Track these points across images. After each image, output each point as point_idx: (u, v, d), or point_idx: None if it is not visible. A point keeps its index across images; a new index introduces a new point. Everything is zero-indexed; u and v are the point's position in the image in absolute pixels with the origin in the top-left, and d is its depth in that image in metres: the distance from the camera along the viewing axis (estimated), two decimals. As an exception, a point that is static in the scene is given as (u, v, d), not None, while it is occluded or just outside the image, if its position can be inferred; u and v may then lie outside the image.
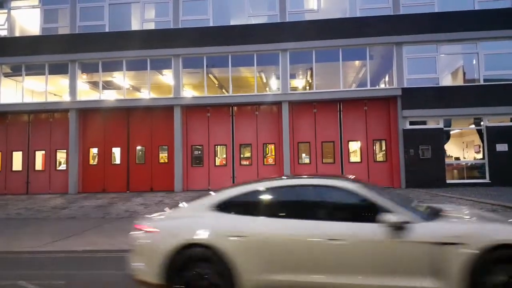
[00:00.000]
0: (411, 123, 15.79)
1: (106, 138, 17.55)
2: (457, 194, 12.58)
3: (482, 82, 15.68)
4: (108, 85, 18.42)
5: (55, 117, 17.95)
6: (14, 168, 17.80)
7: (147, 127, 17.43)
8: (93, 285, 5.13)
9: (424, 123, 15.90)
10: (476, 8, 15.98)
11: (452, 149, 16.59)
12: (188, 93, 18.20)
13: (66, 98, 17.74)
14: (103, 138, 17.55)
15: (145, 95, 17.83)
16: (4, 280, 5.28)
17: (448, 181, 15.33)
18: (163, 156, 17.32)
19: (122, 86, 17.70)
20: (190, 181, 16.94)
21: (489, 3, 15.96)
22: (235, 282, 3.72)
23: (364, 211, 3.88)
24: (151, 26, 17.76)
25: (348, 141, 16.56)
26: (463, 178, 15.71)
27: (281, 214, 4.02)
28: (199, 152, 17.23)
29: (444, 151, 15.67)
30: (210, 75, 17.64)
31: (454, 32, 15.71)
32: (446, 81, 16.50)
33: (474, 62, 16.04)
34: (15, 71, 18.24)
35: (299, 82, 18.78)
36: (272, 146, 16.99)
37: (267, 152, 17.06)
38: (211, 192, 4.48)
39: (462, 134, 17.21)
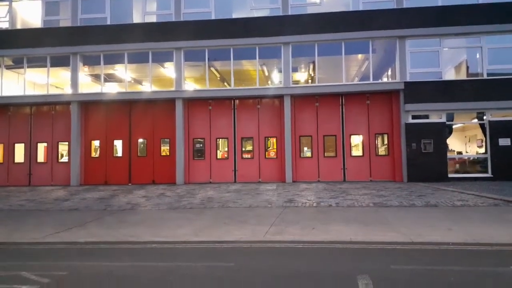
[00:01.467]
0: (414, 117, 15.75)
1: (108, 130, 17.58)
2: (459, 188, 12.58)
3: (485, 76, 15.60)
4: (109, 78, 18.41)
5: (57, 110, 17.98)
6: (16, 160, 17.87)
7: (149, 120, 17.44)
8: (95, 277, 5.16)
9: (426, 117, 15.85)
10: (480, 1, 15.85)
11: (454, 143, 16.54)
12: (190, 86, 18.18)
13: (68, 90, 17.75)
14: (105, 130, 17.58)
15: (147, 88, 17.81)
16: (6, 271, 5.32)
17: (450, 175, 15.33)
18: (164, 149, 17.35)
19: (124, 78, 17.69)
20: (191, 174, 16.98)
21: (493, -4, 15.83)
22: None
23: None
24: (152, 18, 17.71)
25: (350, 135, 16.54)
26: (465, 173, 15.69)
27: None
28: (201, 145, 17.24)
29: (446, 145, 15.63)
30: (212, 68, 17.60)
31: (458, 26, 15.60)
32: (449, 75, 16.41)
33: (477, 56, 15.94)
34: (17, 64, 18.25)
35: (301, 76, 18.72)
36: (274, 140, 16.98)
37: (269, 146, 17.06)
38: None
39: (465, 128, 17.16)
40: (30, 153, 17.81)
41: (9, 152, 17.89)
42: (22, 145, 17.92)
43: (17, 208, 11.30)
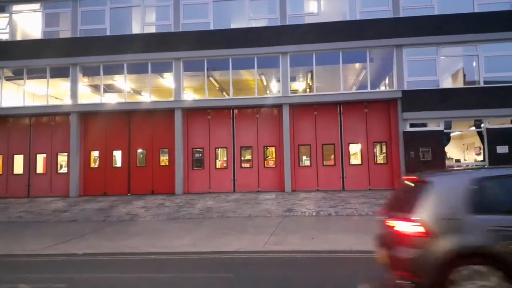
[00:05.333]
0: (412, 125, 15.80)
1: (107, 141, 17.59)
2: (457, 196, 12.55)
3: (482, 84, 15.69)
4: (109, 88, 18.48)
5: (56, 121, 18.01)
6: (15, 171, 17.84)
7: (148, 130, 17.46)
8: (94, 288, 5.14)
9: (424, 125, 15.91)
10: (476, 10, 16.01)
11: (452, 151, 16.58)
12: (189, 96, 18.25)
13: (67, 101, 17.80)
14: (104, 141, 17.59)
15: (146, 98, 17.87)
16: (5, 283, 5.30)
17: (449, 183, 15.30)
18: (164, 159, 17.35)
19: (123, 89, 17.75)
20: (190, 184, 16.95)
21: (488, 5, 15.98)
22: None
23: None
24: (152, 29, 17.84)
25: (349, 143, 16.57)
26: (464, 180, 15.67)
27: None
28: (200, 154, 17.25)
29: (444, 153, 15.66)
30: (211, 78, 17.69)
31: (454, 34, 15.73)
32: (447, 83, 16.51)
33: (474, 64, 16.05)
34: (17, 75, 18.31)
35: (299, 85, 18.81)
36: (273, 149, 17.00)
37: (268, 155, 17.07)
38: None
39: (463, 136, 17.21)
40: (29, 164, 17.78)
41: (8, 164, 17.86)
42: (21, 156, 17.90)
43: (16, 220, 11.28)
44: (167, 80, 17.88)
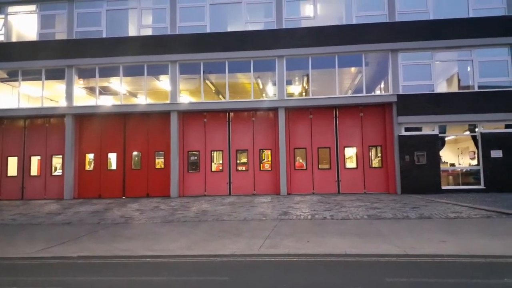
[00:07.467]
0: (407, 129, 15.89)
1: (102, 143, 17.53)
2: (452, 200, 12.64)
3: (476, 89, 15.83)
4: (104, 91, 18.43)
5: (51, 123, 17.93)
6: (9, 174, 17.72)
7: (144, 132, 17.43)
8: (88, 292, 5.10)
9: (419, 129, 16.00)
10: (471, 15, 16.17)
11: (447, 155, 16.68)
12: (185, 98, 18.25)
13: (63, 103, 17.72)
14: (99, 143, 17.53)
15: (142, 100, 17.84)
16: (-2, 287, 5.25)
17: (443, 187, 15.42)
18: (159, 162, 17.31)
19: (119, 91, 17.72)
20: (186, 187, 16.92)
21: (483, 10, 16.16)
22: None
23: None
24: (148, 32, 17.84)
25: (344, 147, 16.63)
26: (458, 184, 15.80)
27: None
28: (196, 157, 17.23)
29: (439, 157, 15.76)
30: (207, 81, 17.70)
31: (449, 39, 15.89)
32: (441, 87, 16.63)
33: (468, 69, 16.20)
34: (12, 76, 18.23)
35: (295, 88, 18.88)
36: (269, 152, 17.02)
37: (264, 158, 17.09)
38: None
39: (457, 141, 17.32)
40: (24, 166, 17.68)
41: (2, 166, 17.74)
42: (15, 158, 17.79)
43: (9, 223, 11.17)
44: (163, 82, 17.88)
